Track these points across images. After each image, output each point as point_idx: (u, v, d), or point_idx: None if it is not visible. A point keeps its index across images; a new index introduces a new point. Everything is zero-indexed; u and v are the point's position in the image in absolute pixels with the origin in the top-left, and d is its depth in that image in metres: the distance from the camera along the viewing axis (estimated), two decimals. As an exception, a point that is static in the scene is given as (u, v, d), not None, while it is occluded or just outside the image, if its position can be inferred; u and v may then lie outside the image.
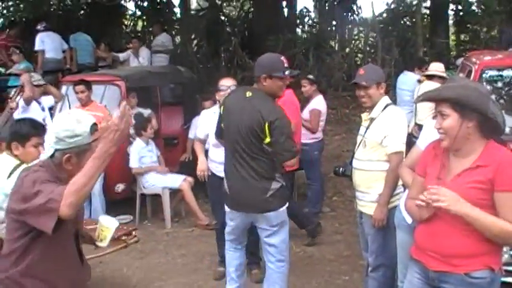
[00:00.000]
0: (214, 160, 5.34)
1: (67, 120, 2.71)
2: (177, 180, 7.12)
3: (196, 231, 6.98)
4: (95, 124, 2.72)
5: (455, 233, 2.86)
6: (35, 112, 6.58)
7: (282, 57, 4.37)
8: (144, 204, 7.41)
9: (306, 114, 7.09)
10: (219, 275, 5.56)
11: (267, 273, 4.61)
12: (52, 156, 2.71)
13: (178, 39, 15.29)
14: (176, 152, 8.12)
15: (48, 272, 2.71)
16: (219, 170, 5.02)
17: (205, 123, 5.50)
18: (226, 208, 4.61)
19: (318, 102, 7.04)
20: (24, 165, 3.80)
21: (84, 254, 3.02)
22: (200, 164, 5.40)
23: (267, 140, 4.21)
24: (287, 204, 4.50)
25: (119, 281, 5.65)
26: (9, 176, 3.75)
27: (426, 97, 3.06)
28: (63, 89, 7.89)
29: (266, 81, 4.26)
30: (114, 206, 7.22)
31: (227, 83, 5.43)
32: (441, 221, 2.87)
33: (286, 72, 4.31)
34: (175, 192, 7.23)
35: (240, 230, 4.66)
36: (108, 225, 3.19)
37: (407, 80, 8.52)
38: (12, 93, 6.57)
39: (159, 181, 7.15)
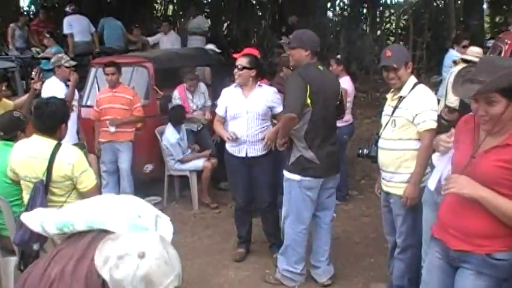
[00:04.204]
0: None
1: (134, 276, 1.82)
2: (201, 162, 7.23)
3: (223, 213, 7.02)
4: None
5: (478, 212, 2.81)
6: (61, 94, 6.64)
7: None
8: (172, 185, 7.47)
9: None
10: (239, 256, 5.63)
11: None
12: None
13: (208, 22, 15.31)
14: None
15: None
16: (237, 149, 5.32)
17: (224, 100, 5.51)
18: (312, 178, 4.75)
19: (344, 82, 6.96)
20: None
21: None
22: (223, 134, 5.39)
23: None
24: None
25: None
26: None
27: (483, 90, 2.74)
28: (93, 71, 7.99)
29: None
30: (142, 186, 7.30)
31: (238, 61, 5.40)
32: (465, 199, 2.82)
33: None
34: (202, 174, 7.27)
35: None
36: None
37: (447, 58, 8.29)
38: (34, 73, 6.62)
39: (185, 164, 7.20)
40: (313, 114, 4.65)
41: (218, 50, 10.33)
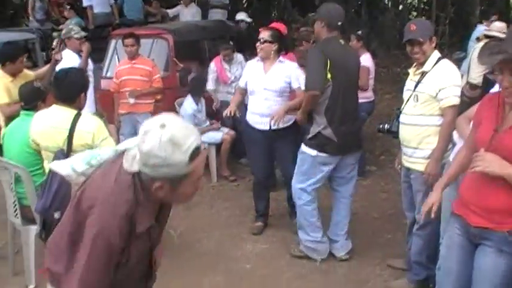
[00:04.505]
0: (255, 112, 5.39)
1: (159, 141, 1.96)
2: (220, 135, 7.26)
3: (241, 186, 7.05)
4: (197, 148, 2.03)
5: (500, 188, 2.77)
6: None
7: None
8: (190, 158, 7.47)
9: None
10: (257, 229, 5.66)
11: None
12: (138, 173, 2.09)
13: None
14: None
15: None
16: (259, 122, 5.32)
17: (246, 72, 5.56)
18: (328, 155, 4.77)
19: (366, 59, 6.89)
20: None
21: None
22: (229, 107, 5.50)
23: None
24: None
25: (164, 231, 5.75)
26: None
27: (508, 57, 2.68)
28: (113, 42, 7.99)
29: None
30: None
31: (261, 34, 5.40)
32: (488, 175, 2.78)
33: None
34: (220, 147, 7.30)
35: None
36: None
37: (476, 33, 8.20)
38: (54, 44, 6.61)
39: (204, 137, 7.19)
40: (333, 89, 4.63)
41: (249, 19, 10.27)
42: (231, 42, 7.85)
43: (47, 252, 2.37)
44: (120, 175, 2.12)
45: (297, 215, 5.08)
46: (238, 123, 7.22)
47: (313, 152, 4.78)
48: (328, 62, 4.57)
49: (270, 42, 5.27)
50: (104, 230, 2.05)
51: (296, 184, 4.97)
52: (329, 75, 4.59)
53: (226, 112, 5.44)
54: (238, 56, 7.77)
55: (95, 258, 2.08)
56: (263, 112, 5.27)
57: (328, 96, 4.64)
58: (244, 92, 5.56)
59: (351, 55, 4.96)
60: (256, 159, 5.61)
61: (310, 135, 4.79)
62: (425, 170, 4.12)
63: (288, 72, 5.30)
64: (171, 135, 1.97)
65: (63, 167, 2.49)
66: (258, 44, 5.33)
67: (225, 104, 7.40)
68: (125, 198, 2.08)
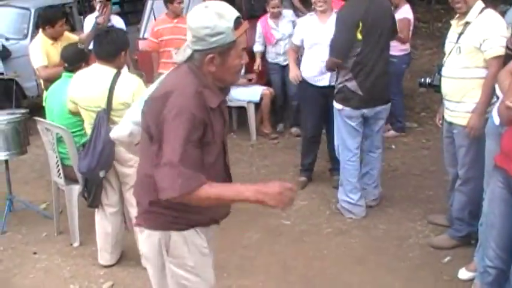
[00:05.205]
0: (314, 68, 5.35)
1: (206, 15, 2.25)
2: (259, 92, 7.20)
3: (280, 143, 7.05)
4: (238, 18, 2.29)
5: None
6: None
7: None
8: (229, 116, 7.49)
9: (394, 24, 6.82)
10: (301, 184, 5.67)
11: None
12: (191, 57, 2.34)
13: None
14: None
15: None
16: (318, 79, 5.33)
17: (300, 30, 5.49)
18: (352, 108, 4.75)
19: (406, 11, 6.72)
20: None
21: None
22: (292, 71, 5.51)
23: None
24: None
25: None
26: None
27: None
28: (149, 3, 8.01)
29: None
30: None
31: None
32: None
33: None
34: (260, 104, 7.29)
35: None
36: None
37: None
38: (98, 8, 6.60)
39: (243, 95, 7.16)
40: (363, 47, 4.61)
41: None
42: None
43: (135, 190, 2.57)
44: (178, 69, 2.40)
45: (340, 171, 5.09)
46: (287, 84, 7.11)
47: (339, 106, 4.83)
48: (360, 24, 4.54)
49: None
50: (183, 105, 2.24)
51: (337, 141, 5.02)
52: (359, 36, 4.56)
53: (293, 78, 5.45)
54: (288, 13, 7.37)
55: (181, 134, 2.22)
56: (322, 69, 5.17)
57: (356, 54, 4.63)
58: (297, 49, 5.55)
59: (382, 10, 4.76)
60: (309, 115, 5.60)
61: (336, 89, 4.83)
62: (468, 124, 4.02)
63: None
64: (215, 10, 2.26)
65: (123, 128, 2.65)
66: None
67: (272, 67, 7.34)
68: (190, 82, 2.31)
